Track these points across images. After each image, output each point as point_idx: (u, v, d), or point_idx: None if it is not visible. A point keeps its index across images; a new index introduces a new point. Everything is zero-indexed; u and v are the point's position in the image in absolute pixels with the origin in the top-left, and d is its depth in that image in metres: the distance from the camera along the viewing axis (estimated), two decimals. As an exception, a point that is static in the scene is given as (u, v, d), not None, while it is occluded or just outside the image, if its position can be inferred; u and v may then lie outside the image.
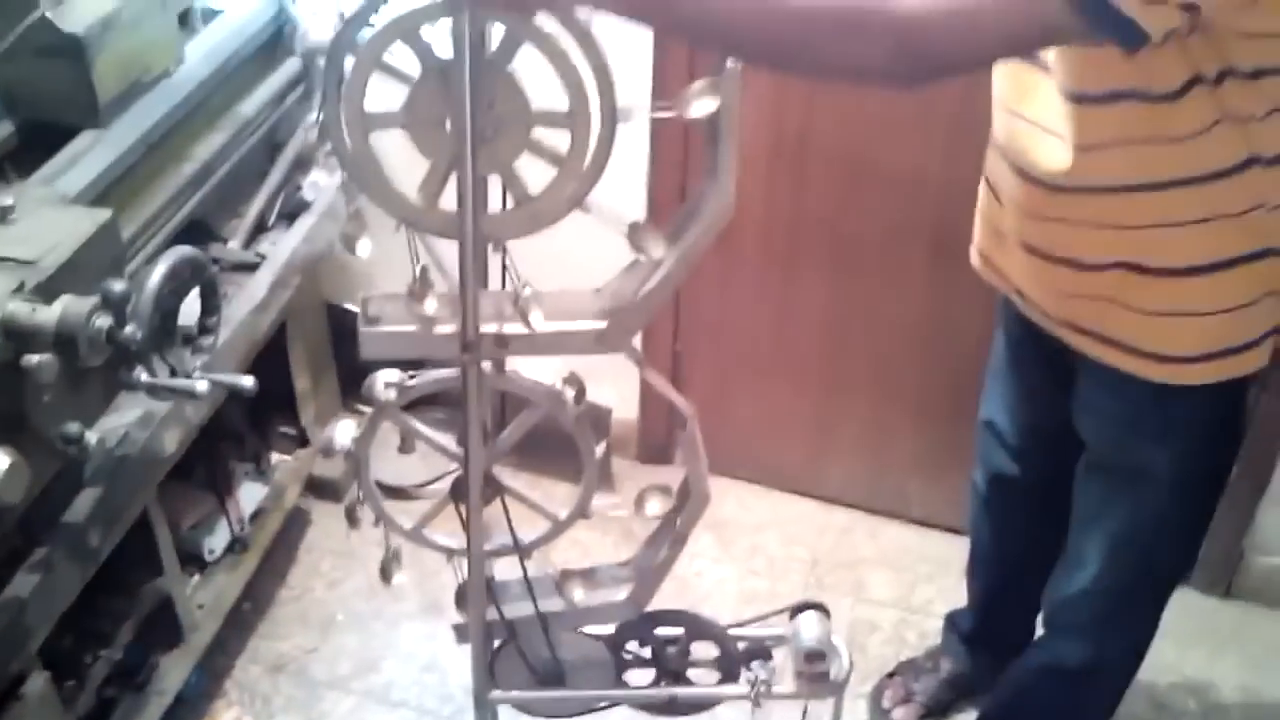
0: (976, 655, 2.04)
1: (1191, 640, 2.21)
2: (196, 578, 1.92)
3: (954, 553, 2.05)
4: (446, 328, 1.30)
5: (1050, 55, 1.23)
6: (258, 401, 2.00)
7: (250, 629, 2.17)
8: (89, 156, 1.56)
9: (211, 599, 1.92)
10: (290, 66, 1.93)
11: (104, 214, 1.40)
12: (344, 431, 1.43)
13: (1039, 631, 1.82)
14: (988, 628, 2.01)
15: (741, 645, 1.68)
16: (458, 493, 1.45)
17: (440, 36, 1.12)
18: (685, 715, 1.76)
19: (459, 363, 1.32)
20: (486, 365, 1.35)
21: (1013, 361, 1.69)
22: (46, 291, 1.29)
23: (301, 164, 1.94)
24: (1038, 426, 1.70)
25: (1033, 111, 1.29)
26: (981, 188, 1.52)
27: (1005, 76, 1.35)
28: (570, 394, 1.39)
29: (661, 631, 1.67)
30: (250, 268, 1.81)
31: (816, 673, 1.67)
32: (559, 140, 1.19)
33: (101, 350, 1.30)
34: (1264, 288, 1.34)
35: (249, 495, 2.04)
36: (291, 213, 1.92)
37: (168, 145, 1.69)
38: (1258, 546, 2.24)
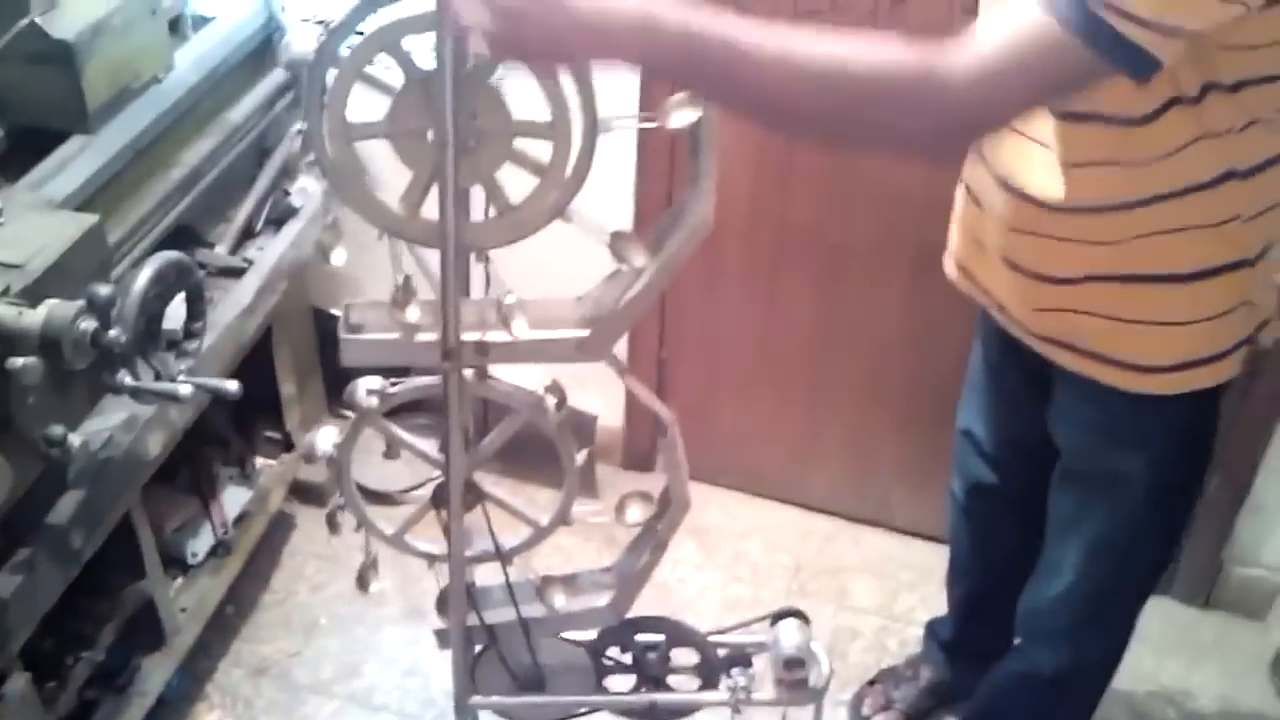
0: (956, 663, 2.05)
1: (1171, 650, 2.22)
2: (179, 580, 1.93)
3: (936, 561, 2.06)
4: (428, 335, 1.32)
5: None
6: (243, 406, 2.01)
7: (233, 632, 2.17)
8: (77, 162, 1.58)
9: (194, 602, 1.93)
10: (279, 74, 1.94)
11: (90, 219, 1.41)
12: (326, 438, 1.44)
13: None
14: (967, 636, 2.02)
15: (722, 652, 1.68)
16: (439, 499, 1.46)
17: (422, 48, 1.13)
18: (666, 720, 1.77)
19: (440, 370, 1.33)
20: (468, 373, 1.36)
21: (990, 371, 1.70)
22: (32, 295, 1.30)
23: (290, 170, 1.95)
24: (1015, 436, 1.71)
25: (1022, 125, 1.28)
26: (960, 196, 1.52)
27: None
28: (552, 401, 1.40)
29: (642, 638, 1.68)
30: (237, 273, 1.82)
31: (796, 680, 1.68)
32: (541, 150, 1.20)
33: (86, 353, 1.31)
34: (1239, 298, 1.35)
35: (233, 499, 2.04)
36: (279, 218, 1.93)
37: (156, 151, 1.71)
38: (1236, 558, 2.25)
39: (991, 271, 1.46)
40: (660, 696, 1.71)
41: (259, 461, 2.15)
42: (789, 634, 1.66)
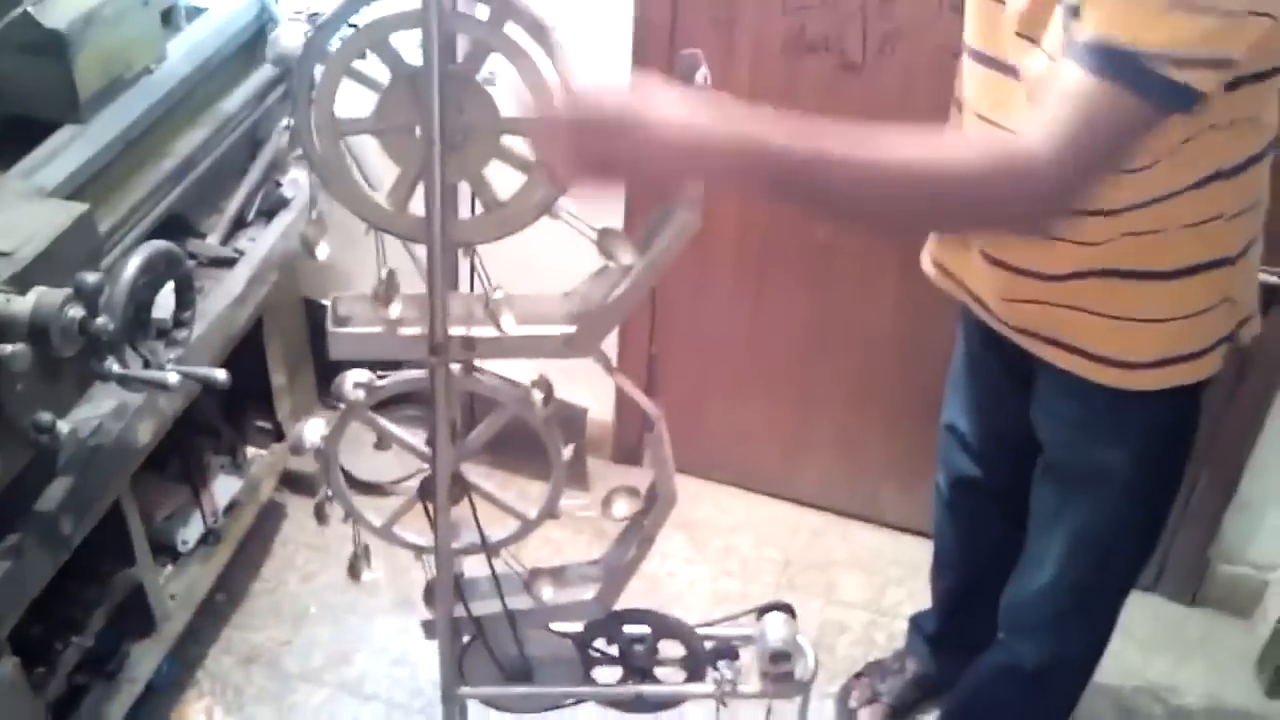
0: (941, 656, 2.06)
1: (1158, 646, 2.24)
2: (169, 568, 1.94)
3: (925, 556, 2.07)
4: (415, 329, 1.32)
5: (1023, 62, 1.23)
6: (234, 396, 2.02)
7: (224, 620, 2.19)
8: (68, 151, 1.58)
9: (184, 589, 1.94)
10: (271, 66, 1.94)
11: (80, 207, 1.42)
12: (314, 430, 1.45)
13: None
14: (951, 629, 2.04)
15: (708, 645, 1.69)
16: (426, 491, 1.47)
17: (409, 44, 1.14)
18: (652, 712, 1.78)
19: (427, 365, 1.33)
20: (456, 367, 1.36)
21: (972, 367, 1.71)
22: (21, 282, 1.31)
23: (281, 162, 1.95)
24: (997, 430, 1.72)
25: (1011, 121, 1.28)
26: None
27: (980, 85, 1.34)
28: (538, 396, 1.40)
29: (629, 630, 1.68)
30: (228, 263, 1.83)
31: (781, 673, 1.69)
32: (528, 148, 1.21)
33: (74, 341, 1.32)
34: (1221, 295, 1.36)
35: (223, 488, 2.05)
36: (271, 210, 1.93)
37: (148, 141, 1.71)
38: (1223, 555, 2.26)
39: (972, 267, 1.46)
40: (646, 688, 1.72)
41: (250, 451, 2.16)
42: (774, 628, 1.67)
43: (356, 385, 1.40)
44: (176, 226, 1.79)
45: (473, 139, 1.20)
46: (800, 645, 1.68)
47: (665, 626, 1.68)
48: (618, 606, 1.66)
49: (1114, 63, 1.02)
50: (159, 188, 1.71)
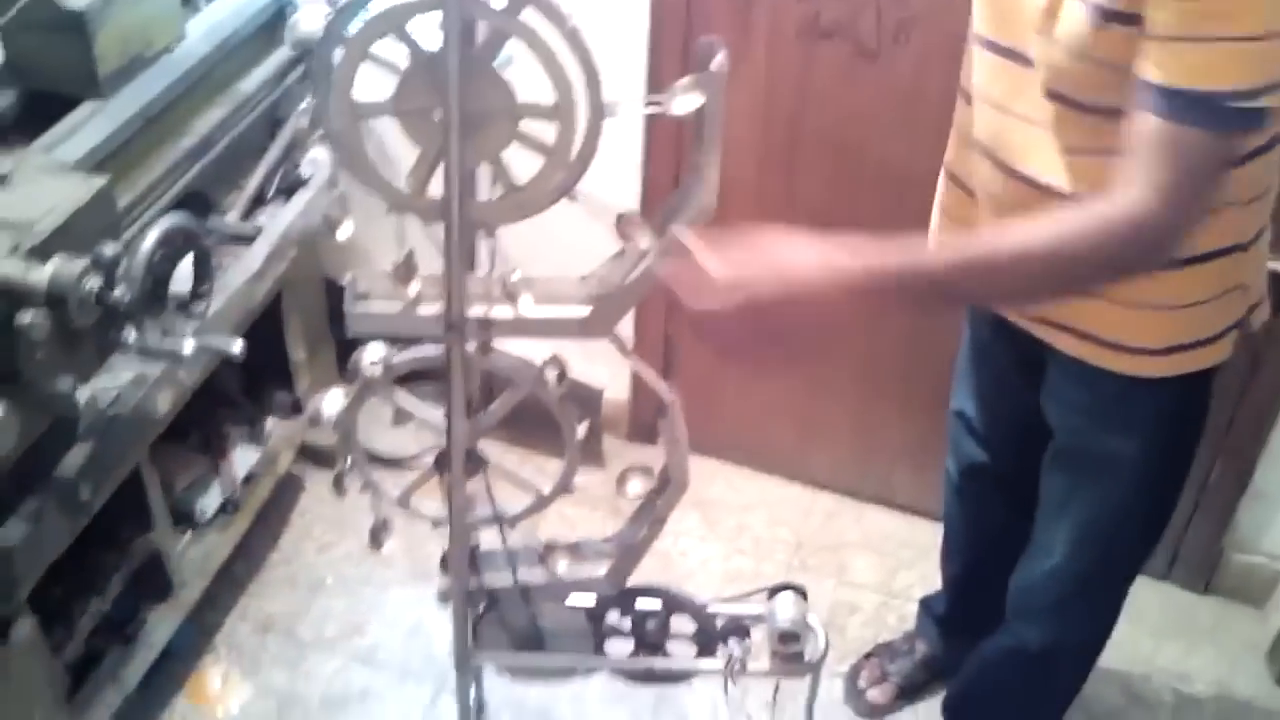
0: (949, 638, 2.07)
1: (1169, 634, 2.24)
2: (188, 536, 1.98)
3: (937, 539, 2.07)
4: (432, 308, 1.35)
5: (1032, 51, 1.24)
6: (255, 370, 2.06)
7: (241, 589, 2.23)
8: (88, 126, 1.61)
9: (202, 557, 1.98)
10: (290, 45, 1.97)
11: (99, 181, 1.45)
12: (332, 401, 1.48)
13: (1009, 616, 1.85)
14: (960, 612, 2.05)
15: (719, 622, 1.71)
16: (442, 464, 1.49)
17: (428, 28, 1.15)
18: (661, 685, 1.80)
19: (443, 342, 1.36)
20: (472, 345, 1.39)
21: (981, 353, 1.71)
22: (41, 254, 1.34)
23: (300, 141, 1.98)
24: (1006, 417, 1.73)
25: (1023, 107, 1.29)
26: (945, 185, 1.53)
27: (992, 73, 1.34)
28: (552, 374, 1.42)
29: (641, 605, 1.71)
30: (247, 239, 1.86)
31: (790, 653, 1.71)
32: (547, 132, 1.22)
33: (91, 311, 1.35)
34: (1233, 281, 1.36)
35: (243, 459, 2.09)
36: (290, 188, 1.95)
37: (167, 118, 1.74)
38: (1237, 544, 2.26)
39: None
40: (656, 661, 1.74)
41: (270, 423, 2.19)
42: (785, 607, 1.69)
43: (373, 363, 1.43)
44: (196, 203, 1.82)
45: (491, 122, 1.21)
46: (811, 626, 1.70)
47: (677, 602, 1.70)
48: (630, 582, 1.68)
49: (1192, 110, 1.06)
50: (178, 164, 1.74)
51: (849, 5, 1.94)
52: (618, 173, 2.18)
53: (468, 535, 1.56)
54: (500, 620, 1.70)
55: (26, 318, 1.30)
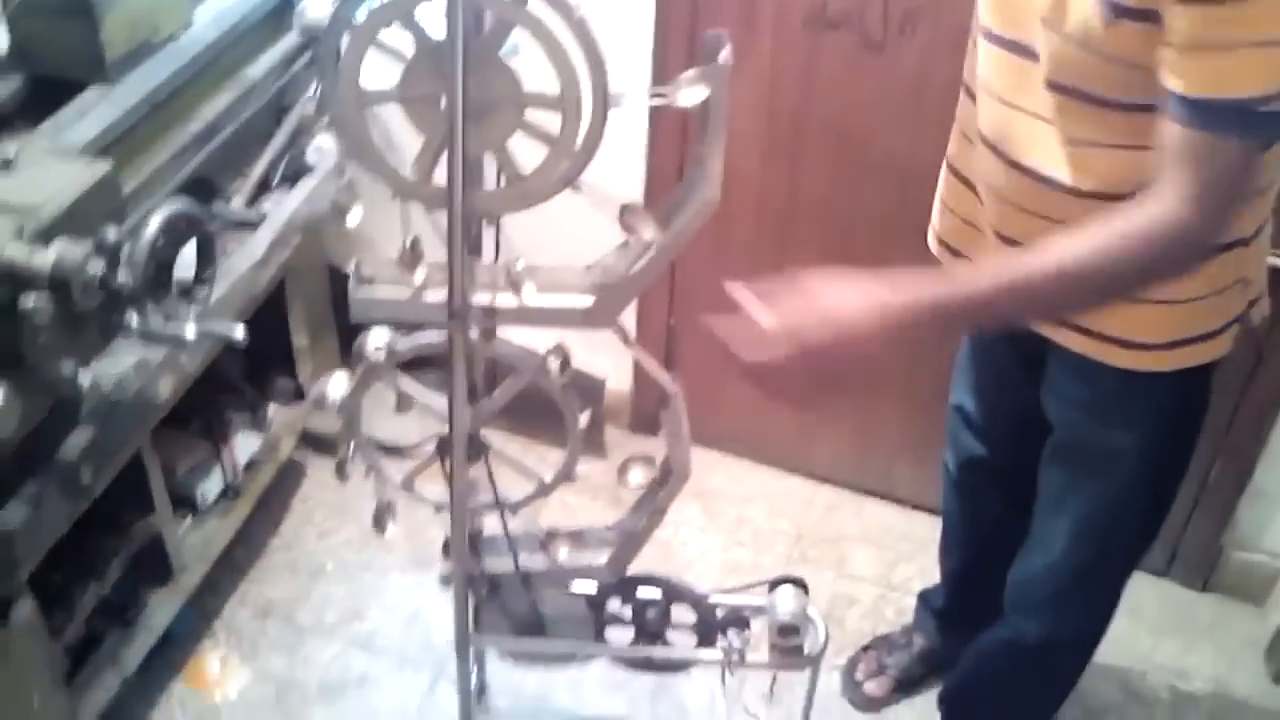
0: (947, 632, 2.08)
1: (1167, 631, 2.24)
2: (189, 521, 1.98)
3: (936, 533, 2.08)
4: (435, 295, 1.35)
5: (1037, 44, 1.24)
6: (257, 356, 2.07)
7: (241, 574, 2.24)
8: (95, 111, 1.62)
9: (202, 542, 1.98)
10: (297, 32, 1.97)
11: (104, 166, 1.45)
12: (337, 385, 1.49)
13: (1007, 610, 1.85)
14: (958, 605, 2.05)
15: (720, 613, 1.72)
16: (444, 449, 1.50)
17: (434, 16, 1.16)
18: (660, 673, 1.81)
19: (446, 329, 1.36)
20: (475, 333, 1.39)
21: (980, 347, 1.72)
22: (45, 237, 1.34)
23: (306, 128, 1.98)
24: (1005, 411, 1.73)
25: (1027, 101, 1.29)
26: (948, 181, 1.53)
27: (997, 67, 1.33)
28: (555, 363, 1.43)
29: (642, 594, 1.71)
30: (251, 226, 1.86)
31: (789, 646, 1.71)
32: (552, 122, 1.22)
33: (94, 294, 1.35)
34: (1233, 276, 1.36)
35: (244, 445, 2.09)
36: (295, 175, 1.96)
37: (174, 104, 1.74)
38: (1237, 542, 2.26)
39: (986, 250, 1.46)
40: (655, 650, 1.74)
41: (271, 410, 2.20)
42: (785, 601, 1.70)
43: (378, 346, 1.44)
44: (201, 189, 1.82)
45: (496, 112, 1.22)
46: (811, 619, 1.71)
47: (678, 592, 1.71)
48: (630, 572, 1.69)
49: (1218, 118, 1.08)
50: (184, 150, 1.74)
51: (854, -1, 1.94)
52: (622, 163, 2.18)
53: (469, 518, 1.57)
54: (502, 606, 1.71)
55: (30, 301, 1.30)
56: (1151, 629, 2.23)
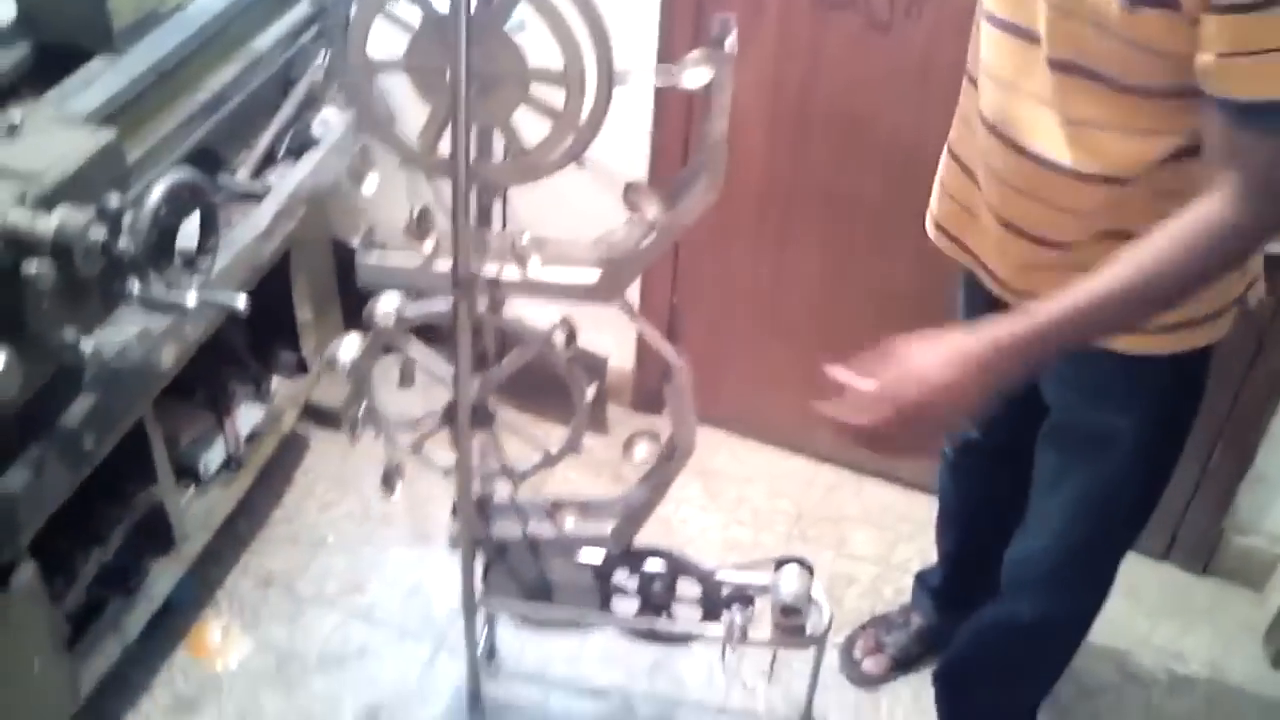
0: (944, 611, 2.09)
1: (1165, 613, 2.25)
2: (191, 491, 1.99)
3: (935, 514, 2.09)
4: (440, 264, 1.36)
5: (1040, 25, 1.24)
6: (261, 329, 2.08)
7: (243, 545, 2.25)
8: (101, 80, 1.62)
9: (204, 512, 1.99)
10: (306, 5, 1.98)
11: (108, 134, 1.46)
12: (347, 348, 1.50)
13: (1003, 590, 1.86)
14: (955, 585, 2.06)
15: (725, 590, 1.73)
16: (450, 416, 1.51)
17: None
18: (663, 644, 1.82)
19: (452, 297, 1.37)
20: (482, 305, 1.40)
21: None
22: (48, 203, 1.35)
23: (312, 101, 1.98)
24: (1001, 393, 1.73)
25: (1031, 85, 1.29)
26: (948, 166, 1.53)
27: (1000, 51, 1.33)
28: (561, 336, 1.44)
29: (649, 567, 1.72)
30: (256, 197, 1.86)
31: (791, 625, 1.72)
32: (557, 97, 1.22)
33: (96, 261, 1.36)
34: None
35: (247, 416, 2.10)
36: (300, 148, 1.96)
37: (180, 74, 1.75)
38: (1236, 526, 2.26)
39: (983, 235, 1.47)
40: (660, 622, 1.76)
41: (274, 382, 2.21)
42: (789, 581, 1.71)
43: (386, 311, 1.45)
44: (206, 160, 1.82)
45: (500, 85, 1.22)
46: (815, 600, 1.72)
47: (684, 567, 1.72)
48: (637, 545, 1.70)
49: (1265, 118, 1.10)
50: (189, 121, 1.74)
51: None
52: (627, 141, 2.18)
53: (478, 485, 1.58)
54: (509, 570, 1.73)
55: (32, 267, 1.31)
56: (1150, 611, 2.24)
